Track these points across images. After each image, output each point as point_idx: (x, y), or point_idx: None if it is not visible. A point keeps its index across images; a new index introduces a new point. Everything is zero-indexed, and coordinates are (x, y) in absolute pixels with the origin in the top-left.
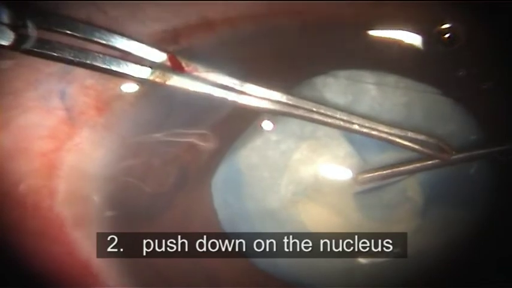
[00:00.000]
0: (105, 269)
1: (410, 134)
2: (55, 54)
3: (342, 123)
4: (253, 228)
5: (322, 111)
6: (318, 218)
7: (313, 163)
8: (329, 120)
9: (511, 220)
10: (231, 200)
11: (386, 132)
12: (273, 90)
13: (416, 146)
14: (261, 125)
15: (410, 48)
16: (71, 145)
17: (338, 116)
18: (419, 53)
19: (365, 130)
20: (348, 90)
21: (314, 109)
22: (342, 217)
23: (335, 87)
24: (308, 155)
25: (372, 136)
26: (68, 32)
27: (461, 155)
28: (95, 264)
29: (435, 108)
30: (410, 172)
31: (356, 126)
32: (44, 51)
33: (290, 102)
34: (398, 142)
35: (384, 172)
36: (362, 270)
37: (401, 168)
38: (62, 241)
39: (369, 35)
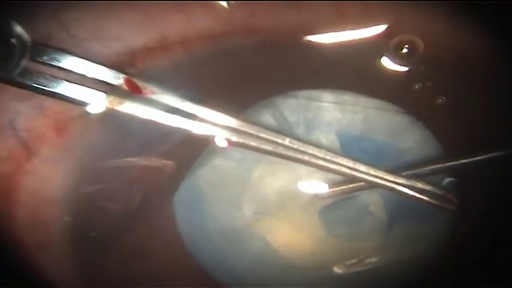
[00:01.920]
0: None
1: (418, 185)
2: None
3: (344, 169)
4: (217, 247)
5: (280, 141)
6: (281, 235)
7: (274, 180)
8: (326, 164)
9: (474, 233)
10: (194, 219)
11: (393, 182)
12: (229, 114)
13: (422, 197)
14: (219, 144)
15: (367, 64)
16: (29, 167)
17: (309, 151)
18: (377, 68)
19: (370, 179)
20: (307, 108)
21: (280, 142)
22: (306, 234)
23: (293, 105)
24: (269, 171)
25: (378, 185)
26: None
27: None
28: (59, 285)
29: (393, 124)
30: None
31: (362, 175)
32: None
33: (243, 129)
34: (405, 193)
35: (347, 186)
36: (331, 285)
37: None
38: (24, 266)
39: (325, 52)
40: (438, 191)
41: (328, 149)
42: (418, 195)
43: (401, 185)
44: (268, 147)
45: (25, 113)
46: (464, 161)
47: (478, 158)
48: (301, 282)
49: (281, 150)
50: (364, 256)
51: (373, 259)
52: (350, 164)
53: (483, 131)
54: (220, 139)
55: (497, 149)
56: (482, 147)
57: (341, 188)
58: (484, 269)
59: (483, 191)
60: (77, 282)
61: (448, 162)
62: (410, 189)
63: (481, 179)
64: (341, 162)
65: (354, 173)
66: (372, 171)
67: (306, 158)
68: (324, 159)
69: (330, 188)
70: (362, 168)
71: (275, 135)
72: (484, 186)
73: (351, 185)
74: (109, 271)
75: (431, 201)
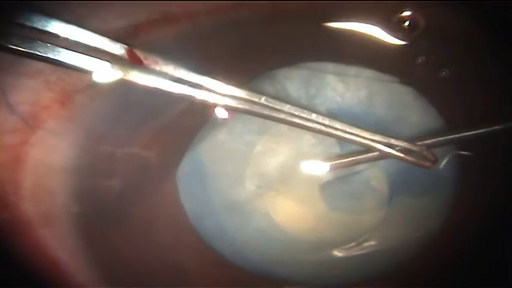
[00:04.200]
0: (73, 266)
1: (393, 141)
2: (15, 47)
3: (319, 126)
4: (219, 221)
5: (277, 107)
6: (284, 209)
7: (276, 155)
8: (309, 124)
9: (475, 207)
10: (197, 195)
11: (368, 139)
12: (232, 84)
13: (399, 154)
14: (221, 118)
15: (371, 38)
16: (36, 138)
17: (313, 118)
18: (380, 42)
19: (347, 136)
20: (310, 82)
21: (271, 105)
22: (308, 209)
23: (297, 79)
24: (271, 146)
25: (354, 142)
26: (28, 24)
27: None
28: (63, 261)
29: (396, 98)
30: (375, 159)
31: (339, 132)
32: (3, 43)
33: (244, 96)
34: (380, 149)
35: (348, 159)
36: (332, 263)
37: (366, 156)
38: (28, 238)
39: (329, 26)
40: (415, 148)
41: (304, 107)
42: (394, 152)
43: (378, 142)
44: (268, 113)
45: (31, 88)
46: (466, 133)
47: (481, 131)
48: (302, 256)
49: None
50: (366, 232)
51: (375, 236)
52: (326, 121)
53: (486, 104)
54: (222, 109)
55: (499, 122)
56: (485, 120)
57: (341, 161)
58: (485, 243)
59: (485, 164)
60: (82, 257)
61: (450, 135)
62: (386, 146)
63: (483, 151)
64: (316, 119)
65: (329, 130)
66: (348, 129)
67: (282, 116)
68: (300, 117)
69: (330, 162)
70: (337, 125)
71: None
72: (485, 159)
73: (351, 158)
74: (114, 244)
75: (408, 158)
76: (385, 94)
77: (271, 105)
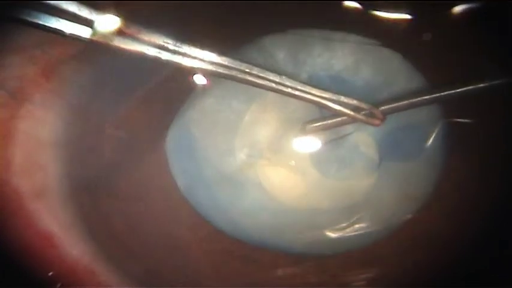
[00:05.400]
0: (67, 240)
1: (343, 99)
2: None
3: (274, 85)
4: (212, 193)
5: (254, 72)
6: (276, 178)
7: (265, 123)
8: (262, 82)
9: (465, 171)
10: (187, 165)
11: (319, 96)
12: (213, 51)
13: (347, 111)
14: (207, 87)
15: (355, 3)
16: (24, 112)
17: (271, 78)
18: (363, 8)
19: (297, 93)
20: (297, 49)
21: (247, 70)
22: (299, 176)
23: (283, 46)
24: (259, 115)
25: (304, 99)
26: None
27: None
28: (56, 235)
29: (383, 64)
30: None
31: (289, 90)
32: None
33: (225, 63)
34: (330, 107)
35: (331, 121)
36: (327, 239)
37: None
38: (21, 214)
39: None
40: (364, 106)
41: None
42: (343, 110)
43: (327, 100)
44: (247, 77)
45: (16, 63)
46: (449, 92)
47: (463, 89)
48: (298, 225)
49: (261, 81)
50: (357, 198)
51: (367, 202)
52: (276, 78)
53: (469, 66)
54: (205, 77)
55: (482, 80)
56: (468, 79)
57: (322, 123)
58: (476, 206)
59: (470, 124)
60: (75, 230)
61: (433, 93)
62: (336, 104)
63: (467, 111)
64: (267, 77)
65: (279, 87)
66: (299, 86)
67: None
68: (252, 74)
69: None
70: (288, 82)
71: (254, 69)
72: (470, 119)
73: (331, 120)
74: (106, 217)
75: (357, 115)
76: (370, 61)
77: (231, 65)
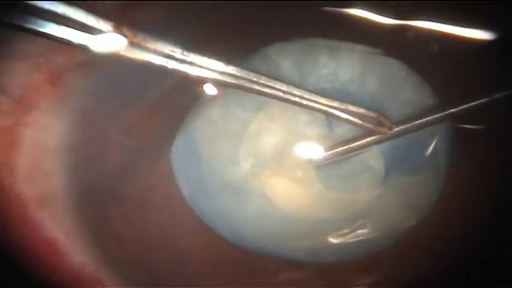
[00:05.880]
0: (72, 246)
1: (350, 108)
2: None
3: (281, 94)
4: (216, 201)
5: (262, 81)
6: (280, 189)
7: (271, 133)
8: (269, 91)
9: (470, 184)
10: (192, 174)
11: (326, 105)
12: (220, 60)
13: (355, 120)
14: (213, 95)
15: (360, 15)
16: (29, 119)
17: (278, 87)
18: (369, 19)
19: (305, 102)
20: (303, 59)
21: (254, 79)
22: (304, 188)
23: (290, 56)
24: (265, 125)
25: (312, 108)
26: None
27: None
28: (61, 242)
29: (389, 75)
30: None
31: (296, 99)
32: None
33: (232, 72)
34: (338, 116)
35: (345, 147)
36: (329, 241)
37: (363, 141)
38: (25, 221)
39: (321, 4)
40: (372, 114)
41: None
42: (351, 118)
43: (335, 108)
44: (255, 87)
45: (21, 70)
46: (458, 108)
47: (472, 104)
48: (300, 235)
49: (269, 90)
50: (362, 211)
51: (371, 214)
52: (284, 87)
53: (475, 77)
54: (212, 86)
55: (490, 94)
56: (475, 93)
57: (336, 150)
58: (481, 215)
59: (478, 138)
60: (79, 238)
61: (443, 111)
62: (343, 112)
63: (475, 125)
64: (275, 86)
65: (287, 96)
66: (306, 95)
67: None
68: (259, 84)
69: (326, 150)
70: (296, 92)
71: (262, 78)
72: (478, 133)
73: (346, 147)
74: (111, 224)
75: (365, 124)
76: (377, 72)
77: (240, 74)
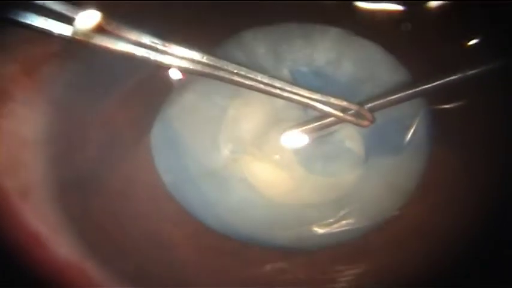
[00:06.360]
0: (55, 239)
1: (332, 100)
2: None
3: (262, 86)
4: (199, 189)
5: (243, 73)
6: (261, 174)
7: (249, 118)
8: (250, 82)
9: (450, 165)
10: (172, 162)
11: (307, 98)
12: (194, 49)
13: (336, 113)
14: (189, 82)
15: None
16: (6, 111)
17: (259, 78)
18: (343, 1)
19: (286, 94)
20: (278, 44)
21: (235, 71)
22: (285, 172)
23: (264, 41)
24: (243, 110)
25: (293, 101)
26: None
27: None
28: (44, 234)
29: (365, 58)
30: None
31: (277, 91)
32: None
33: (210, 62)
34: (319, 108)
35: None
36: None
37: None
38: (8, 213)
39: None
40: (353, 107)
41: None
42: (332, 111)
43: (316, 101)
44: (235, 78)
45: None
46: (432, 84)
47: (446, 80)
48: (285, 221)
49: (249, 82)
50: (344, 193)
51: (353, 197)
52: (265, 79)
53: (449, 55)
54: (191, 74)
55: (463, 71)
56: (449, 71)
57: (311, 125)
58: (465, 197)
59: (454, 116)
60: (63, 229)
61: (416, 87)
62: (324, 105)
63: (451, 104)
64: (256, 78)
65: (269, 88)
66: (288, 87)
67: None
68: (240, 75)
69: (300, 128)
70: (277, 83)
71: (242, 69)
72: (454, 111)
73: (320, 122)
74: (94, 215)
75: (346, 117)
76: (352, 53)
77: (219, 65)
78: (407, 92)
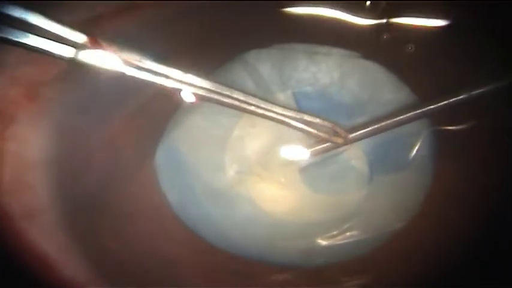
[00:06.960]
0: (60, 259)
1: (306, 117)
2: None
3: (238, 103)
4: (204, 209)
5: (219, 90)
6: (267, 194)
7: (254, 138)
8: (225, 100)
9: (455, 182)
10: (177, 182)
11: (281, 114)
12: (196, 73)
13: (310, 130)
14: (194, 103)
15: (335, 18)
16: (10, 133)
17: (235, 96)
18: (344, 21)
19: (260, 111)
20: (282, 64)
21: (212, 88)
22: (290, 192)
23: (269, 61)
24: (248, 130)
25: (267, 118)
26: None
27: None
28: (49, 255)
29: (369, 77)
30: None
31: (252, 108)
32: None
33: (211, 88)
34: (293, 125)
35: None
36: (318, 245)
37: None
38: (13, 235)
39: (294, 9)
40: (327, 124)
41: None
42: (306, 128)
43: (290, 118)
44: (213, 96)
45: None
46: (437, 105)
47: (450, 101)
48: (290, 239)
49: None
50: (349, 212)
51: (359, 216)
52: (240, 96)
53: (452, 75)
54: (189, 95)
55: (467, 91)
56: (452, 91)
57: (318, 148)
58: (468, 213)
59: (458, 134)
60: (68, 251)
61: (421, 108)
62: (299, 122)
63: (454, 122)
64: (230, 94)
65: (243, 105)
66: (262, 104)
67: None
68: (217, 93)
69: (310, 148)
70: (252, 101)
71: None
72: (458, 130)
73: (328, 144)
74: (99, 236)
75: (320, 134)
76: (356, 73)
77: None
78: (411, 113)
